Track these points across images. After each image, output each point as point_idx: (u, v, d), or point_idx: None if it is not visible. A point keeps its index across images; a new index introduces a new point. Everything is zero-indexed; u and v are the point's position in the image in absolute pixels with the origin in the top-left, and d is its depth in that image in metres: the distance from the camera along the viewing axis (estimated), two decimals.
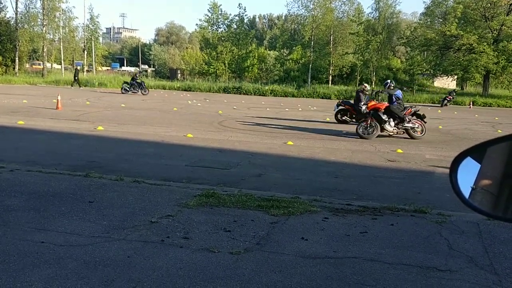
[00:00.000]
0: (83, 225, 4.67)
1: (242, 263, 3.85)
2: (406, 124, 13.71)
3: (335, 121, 17.82)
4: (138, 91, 32.96)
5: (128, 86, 33.34)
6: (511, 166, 1.15)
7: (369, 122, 13.53)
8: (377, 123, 13.52)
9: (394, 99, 13.76)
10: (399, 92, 13.95)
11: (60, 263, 3.72)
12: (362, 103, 15.05)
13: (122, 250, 4.03)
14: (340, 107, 18.02)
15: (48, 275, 3.49)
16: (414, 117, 14.07)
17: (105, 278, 3.46)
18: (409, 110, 14.03)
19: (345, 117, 17.84)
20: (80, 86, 38.84)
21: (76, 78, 39.58)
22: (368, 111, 13.80)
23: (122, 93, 32.86)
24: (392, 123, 13.67)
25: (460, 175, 1.26)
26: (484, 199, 1.19)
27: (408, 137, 13.83)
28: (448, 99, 33.77)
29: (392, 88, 14.09)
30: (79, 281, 3.41)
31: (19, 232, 4.37)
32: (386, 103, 13.96)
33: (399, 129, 13.77)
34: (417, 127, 13.90)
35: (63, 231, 4.46)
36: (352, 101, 18.30)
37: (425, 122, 14.13)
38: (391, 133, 13.78)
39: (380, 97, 15.05)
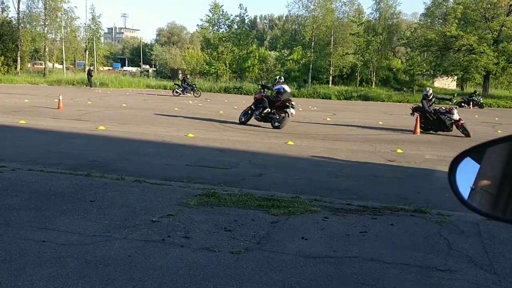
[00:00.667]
0: (84, 224, 4.68)
1: (242, 263, 3.86)
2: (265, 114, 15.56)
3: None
4: (189, 93, 32.70)
5: (180, 88, 33.07)
6: (510, 166, 1.16)
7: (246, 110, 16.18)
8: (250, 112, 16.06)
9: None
10: (280, 87, 15.98)
11: (61, 262, 3.73)
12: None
13: (123, 249, 4.05)
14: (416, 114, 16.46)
15: (49, 274, 3.50)
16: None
17: (106, 277, 3.48)
18: (279, 103, 15.49)
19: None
20: (91, 87, 38.68)
21: (89, 77, 39.38)
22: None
23: (174, 95, 32.55)
24: (257, 112, 15.76)
25: (459, 176, 1.26)
26: (483, 199, 1.20)
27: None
28: (476, 100, 33.50)
29: (277, 83, 16.43)
30: (80, 280, 3.42)
31: (20, 231, 4.39)
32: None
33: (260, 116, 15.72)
34: (276, 117, 15.35)
35: (64, 230, 4.47)
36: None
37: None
38: (256, 120, 15.88)
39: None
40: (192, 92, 32.81)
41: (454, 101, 16.38)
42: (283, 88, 15.91)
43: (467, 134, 14.76)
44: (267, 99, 15.59)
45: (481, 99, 34.31)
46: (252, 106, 15.95)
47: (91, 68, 43.73)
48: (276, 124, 15.14)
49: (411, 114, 16.43)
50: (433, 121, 15.44)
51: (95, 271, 3.58)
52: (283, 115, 15.22)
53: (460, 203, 1.24)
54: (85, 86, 39.07)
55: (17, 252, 3.89)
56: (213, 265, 3.77)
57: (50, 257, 3.81)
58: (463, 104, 33.33)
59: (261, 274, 3.64)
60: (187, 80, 33.68)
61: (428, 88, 17.07)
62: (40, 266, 3.64)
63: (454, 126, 14.96)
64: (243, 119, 16.00)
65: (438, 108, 15.62)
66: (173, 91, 33.46)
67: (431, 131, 15.52)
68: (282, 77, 17.10)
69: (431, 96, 15.97)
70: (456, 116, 14.85)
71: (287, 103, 15.34)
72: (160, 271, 3.63)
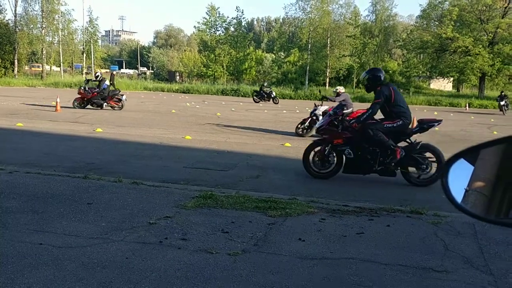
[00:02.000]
0: (81, 226, 4.68)
1: (239, 264, 3.87)
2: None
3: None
4: (268, 100, 32.38)
5: (258, 95, 32.86)
6: (504, 168, 1.17)
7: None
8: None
9: None
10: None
11: (58, 264, 3.73)
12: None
13: (120, 252, 4.05)
14: None
15: (46, 277, 3.50)
16: None
17: (103, 280, 3.48)
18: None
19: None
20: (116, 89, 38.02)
21: (112, 82, 38.50)
22: None
23: (255, 102, 32.26)
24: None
25: (452, 177, 1.26)
26: (477, 201, 1.20)
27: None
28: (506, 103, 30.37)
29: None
30: (77, 282, 3.42)
31: (17, 234, 4.38)
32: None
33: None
34: None
35: (62, 233, 4.47)
36: None
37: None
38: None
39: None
40: (271, 99, 32.18)
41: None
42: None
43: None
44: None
45: (272, 92, 33.48)
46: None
47: (114, 73, 43.15)
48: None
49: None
50: None
51: (93, 274, 3.58)
52: None
53: (452, 205, 1.25)
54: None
55: (14, 255, 3.88)
56: (211, 267, 3.78)
57: (47, 260, 3.81)
58: (256, 99, 32.77)
59: (258, 276, 3.65)
60: (265, 87, 33.18)
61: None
62: (37, 269, 3.64)
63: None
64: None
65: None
66: (253, 98, 33.27)
67: None
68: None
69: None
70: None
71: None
72: (158, 273, 3.63)
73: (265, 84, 35.13)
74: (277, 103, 31.67)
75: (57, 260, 3.81)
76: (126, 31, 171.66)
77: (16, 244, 4.12)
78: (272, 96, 32.53)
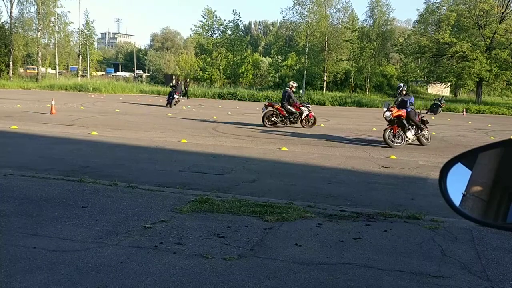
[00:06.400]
0: (76, 230, 4.64)
1: (235, 269, 3.84)
2: (423, 132, 13.57)
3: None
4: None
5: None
6: (502, 172, 1.16)
7: (396, 131, 13.14)
8: (402, 132, 13.21)
9: (408, 105, 13.39)
10: (412, 98, 13.70)
11: (52, 268, 3.69)
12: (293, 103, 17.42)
13: (115, 256, 4.01)
14: (269, 109, 17.68)
15: (40, 281, 3.46)
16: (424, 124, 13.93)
17: (98, 284, 3.44)
18: (419, 116, 13.74)
19: (274, 118, 17.53)
20: (188, 97, 37.79)
21: (186, 89, 38.23)
22: (392, 118, 13.25)
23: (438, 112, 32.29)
24: (413, 131, 13.44)
25: (450, 181, 1.25)
26: (475, 205, 1.19)
27: (419, 143, 13.68)
28: (441, 106, 33.51)
29: (405, 93, 13.75)
30: (71, 287, 3.39)
31: (11, 238, 4.34)
32: (400, 109, 13.34)
33: (416, 136, 13.57)
34: (426, 134, 13.85)
35: (56, 237, 4.43)
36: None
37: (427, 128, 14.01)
38: (410, 141, 13.44)
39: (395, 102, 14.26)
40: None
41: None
42: (414, 100, 13.92)
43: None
44: (413, 116, 13.39)
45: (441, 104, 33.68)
46: (399, 124, 13.22)
47: (187, 80, 42.86)
48: (427, 141, 13.76)
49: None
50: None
51: (87, 278, 3.54)
52: (427, 130, 13.82)
53: (451, 209, 1.23)
54: (186, 98, 36.75)
55: (8, 258, 3.84)
56: (206, 272, 3.75)
57: (41, 264, 3.77)
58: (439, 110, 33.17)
59: (254, 281, 3.62)
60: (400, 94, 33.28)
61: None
62: (31, 272, 3.60)
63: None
64: (395, 144, 13.06)
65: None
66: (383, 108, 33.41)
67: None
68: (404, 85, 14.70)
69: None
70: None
71: (422, 117, 13.83)
72: (153, 278, 3.60)
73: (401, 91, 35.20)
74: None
75: (51, 264, 3.78)
76: (122, 34, 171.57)
77: (9, 248, 4.08)
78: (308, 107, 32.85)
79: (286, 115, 17.44)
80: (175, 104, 27.43)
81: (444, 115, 31.71)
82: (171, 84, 33.07)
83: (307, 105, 18.04)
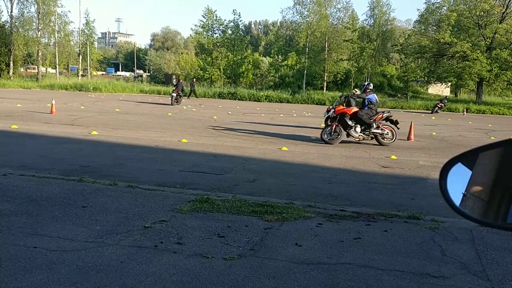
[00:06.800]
0: (76, 230, 4.64)
1: (235, 269, 3.84)
2: (374, 130, 13.47)
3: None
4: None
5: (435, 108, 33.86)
6: (502, 172, 1.15)
7: (334, 128, 13.42)
8: (341, 129, 13.46)
9: (366, 103, 13.62)
10: (372, 96, 13.75)
11: (52, 268, 3.69)
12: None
13: (115, 255, 4.01)
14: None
15: (40, 280, 3.46)
16: (387, 123, 13.79)
17: (98, 284, 3.44)
18: (380, 115, 13.71)
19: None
20: (197, 97, 38.28)
21: (193, 89, 38.76)
22: (334, 115, 13.57)
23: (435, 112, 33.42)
24: (358, 129, 13.48)
25: (450, 181, 1.25)
26: (475, 205, 1.19)
27: (377, 143, 13.63)
28: (439, 106, 33.95)
29: (368, 91, 13.89)
30: (71, 286, 3.38)
31: (11, 237, 4.34)
32: (355, 108, 13.65)
33: (366, 135, 13.55)
34: (386, 134, 13.63)
35: (56, 236, 4.43)
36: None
37: (398, 128, 13.82)
38: (356, 139, 13.60)
39: (355, 102, 14.25)
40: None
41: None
42: (376, 99, 13.89)
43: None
44: (364, 113, 13.44)
45: (446, 104, 34.83)
46: (340, 121, 13.54)
47: (194, 80, 43.25)
48: (387, 141, 13.57)
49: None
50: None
51: (87, 278, 3.54)
52: (392, 130, 13.65)
53: (451, 209, 1.23)
54: (188, 97, 37.10)
55: (8, 258, 3.84)
56: (206, 272, 3.75)
57: (41, 263, 3.77)
58: (438, 111, 33.50)
59: (255, 281, 3.62)
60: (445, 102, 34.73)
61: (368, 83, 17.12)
62: (31, 272, 3.60)
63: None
64: (328, 139, 13.44)
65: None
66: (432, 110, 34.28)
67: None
68: (371, 84, 14.71)
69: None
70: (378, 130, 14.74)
71: (390, 117, 13.79)
72: (153, 278, 3.60)
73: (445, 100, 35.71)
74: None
75: (51, 264, 3.77)
76: (122, 34, 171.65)
77: (9, 247, 4.08)
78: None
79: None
80: (176, 102, 28.30)
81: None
82: (173, 83, 34.14)
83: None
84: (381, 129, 13.59)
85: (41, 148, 10.60)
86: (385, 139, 13.61)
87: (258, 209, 5.55)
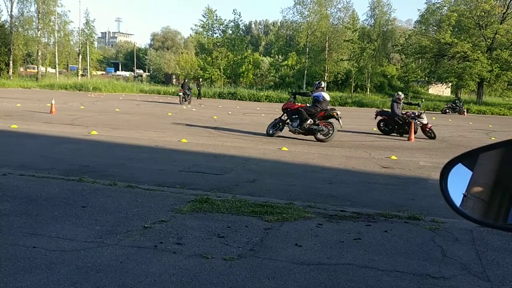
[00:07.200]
0: (75, 230, 4.63)
1: (235, 269, 3.83)
2: (309, 126, 13.91)
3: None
4: (460, 113, 33.49)
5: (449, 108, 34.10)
6: (503, 173, 1.15)
7: (277, 121, 14.65)
8: (283, 123, 14.58)
9: (314, 101, 14.26)
10: (319, 94, 14.29)
11: (51, 268, 3.68)
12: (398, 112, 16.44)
13: (114, 256, 4.01)
14: (379, 117, 17.40)
15: (40, 280, 3.45)
16: (327, 120, 14.18)
17: (97, 284, 3.43)
18: (323, 112, 14.08)
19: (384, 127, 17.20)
20: (200, 98, 38.31)
21: (199, 89, 39.16)
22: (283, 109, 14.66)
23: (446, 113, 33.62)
24: (295, 124, 14.13)
25: (451, 182, 1.25)
26: (475, 206, 1.19)
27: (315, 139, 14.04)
28: (448, 106, 34.66)
29: (319, 89, 14.49)
30: (71, 286, 3.38)
31: (10, 237, 4.33)
32: (298, 104, 14.83)
33: (301, 129, 14.04)
34: (321, 129, 13.96)
35: (56, 236, 4.42)
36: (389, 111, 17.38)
37: (341, 126, 14.24)
38: (293, 133, 14.30)
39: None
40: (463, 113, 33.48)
41: (421, 105, 18.04)
42: (323, 96, 14.28)
43: (433, 137, 15.90)
44: (304, 109, 14.07)
45: (463, 105, 34.59)
46: (283, 117, 14.61)
47: (201, 80, 43.64)
48: (322, 137, 13.91)
49: (374, 117, 17.56)
50: (401, 125, 16.42)
51: (86, 278, 3.53)
52: (330, 127, 13.99)
53: (452, 210, 1.23)
54: (197, 98, 37.56)
55: (7, 258, 3.83)
56: (206, 272, 3.74)
57: (40, 263, 3.76)
58: (447, 111, 33.62)
59: (254, 281, 3.61)
60: (456, 101, 35.34)
61: (399, 93, 17.80)
62: (30, 272, 3.59)
63: (420, 129, 16.18)
64: (271, 132, 14.55)
65: (405, 112, 16.97)
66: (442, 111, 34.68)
67: (393, 134, 16.68)
68: (323, 83, 15.23)
69: (401, 101, 16.91)
70: (425, 120, 16.22)
71: (332, 113, 14.06)
72: (152, 278, 3.59)
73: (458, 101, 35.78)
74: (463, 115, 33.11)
75: (51, 264, 3.77)
76: (122, 33, 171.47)
77: (9, 247, 4.07)
78: (461, 109, 33.90)
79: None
80: (184, 100, 30.19)
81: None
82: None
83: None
84: (317, 125, 14.00)
85: (41, 148, 10.59)
86: (320, 135, 14.03)
87: (258, 210, 5.54)
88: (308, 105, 14.58)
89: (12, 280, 3.43)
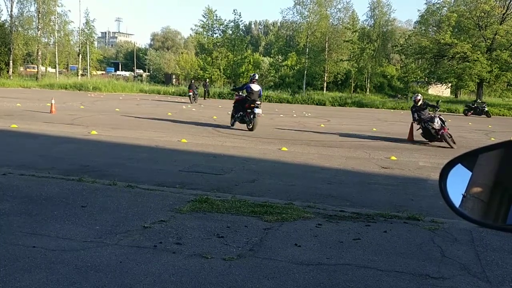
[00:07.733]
0: (75, 229, 4.64)
1: (235, 269, 3.83)
2: (238, 115, 16.07)
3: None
4: (480, 114, 33.17)
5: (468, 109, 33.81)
6: (502, 173, 1.15)
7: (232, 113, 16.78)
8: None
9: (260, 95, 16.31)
10: (248, 86, 16.18)
11: (51, 268, 3.69)
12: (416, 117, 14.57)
13: (114, 255, 4.01)
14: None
15: (39, 280, 3.46)
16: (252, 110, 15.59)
17: (97, 284, 3.44)
18: (247, 104, 15.71)
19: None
20: (205, 98, 38.83)
21: (206, 90, 39.86)
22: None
23: (465, 115, 33.18)
24: (238, 114, 16.18)
25: (450, 182, 1.26)
26: (475, 206, 1.19)
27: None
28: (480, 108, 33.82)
29: (254, 82, 16.15)
30: (70, 286, 3.38)
31: (10, 237, 4.34)
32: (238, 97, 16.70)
33: (239, 120, 16.20)
34: (245, 117, 15.83)
35: (55, 236, 4.42)
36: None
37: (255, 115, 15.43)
38: (237, 120, 16.33)
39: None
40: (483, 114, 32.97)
41: (439, 107, 15.39)
42: (250, 88, 16.09)
43: (450, 145, 13.96)
44: (241, 100, 16.11)
45: (485, 106, 34.05)
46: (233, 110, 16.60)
47: (207, 81, 44.07)
48: (249, 126, 15.65)
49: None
50: (424, 130, 14.48)
51: (86, 278, 3.53)
52: (251, 116, 15.57)
53: (451, 210, 1.23)
54: (204, 99, 38.34)
55: (7, 257, 3.84)
56: (205, 272, 3.74)
57: (40, 263, 3.77)
58: (468, 113, 33.23)
59: (254, 281, 3.61)
60: (476, 103, 34.08)
61: (416, 94, 16.14)
62: (30, 272, 3.59)
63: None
64: (231, 122, 16.71)
65: (422, 115, 14.55)
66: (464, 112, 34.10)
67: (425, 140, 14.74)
68: (257, 75, 17.27)
69: (419, 103, 14.83)
70: (436, 125, 13.95)
71: (251, 104, 15.61)
72: (152, 278, 3.59)
73: (479, 101, 35.48)
74: (489, 117, 32.62)
75: (50, 264, 3.77)
76: (122, 33, 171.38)
77: (9, 247, 4.07)
78: (485, 110, 33.39)
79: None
80: (194, 100, 32.95)
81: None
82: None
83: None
84: (241, 114, 15.96)
85: (41, 147, 10.59)
86: (248, 124, 15.76)
87: (258, 210, 5.54)
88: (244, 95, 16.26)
89: (11, 280, 3.43)
